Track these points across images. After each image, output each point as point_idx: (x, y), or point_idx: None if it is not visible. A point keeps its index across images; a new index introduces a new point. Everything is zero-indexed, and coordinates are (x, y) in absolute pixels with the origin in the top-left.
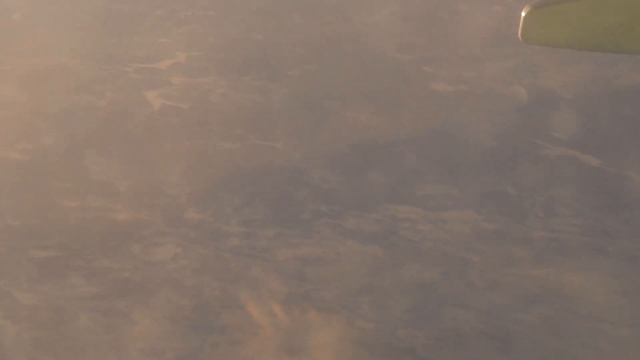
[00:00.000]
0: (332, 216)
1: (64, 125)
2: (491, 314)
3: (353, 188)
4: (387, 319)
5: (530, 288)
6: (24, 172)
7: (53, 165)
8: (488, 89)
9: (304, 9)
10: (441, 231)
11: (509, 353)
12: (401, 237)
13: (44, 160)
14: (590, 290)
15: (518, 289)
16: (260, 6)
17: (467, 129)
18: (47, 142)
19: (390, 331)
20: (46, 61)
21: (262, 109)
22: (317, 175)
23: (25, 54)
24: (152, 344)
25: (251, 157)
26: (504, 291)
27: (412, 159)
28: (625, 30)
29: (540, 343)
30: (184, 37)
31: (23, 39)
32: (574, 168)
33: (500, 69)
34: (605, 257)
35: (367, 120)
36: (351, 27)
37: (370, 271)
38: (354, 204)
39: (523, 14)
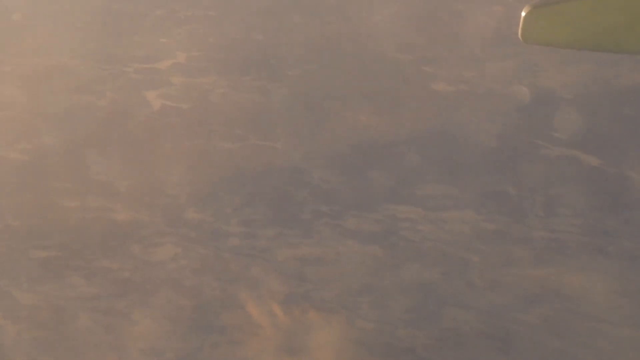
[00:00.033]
0: (332, 216)
1: (64, 125)
2: (491, 314)
3: (353, 188)
4: (387, 319)
5: (530, 288)
6: (24, 172)
7: (53, 165)
8: (488, 89)
9: (304, 9)
10: (441, 231)
11: (509, 353)
12: (401, 237)
13: (44, 160)
14: (590, 290)
15: (518, 289)
16: (260, 6)
17: (467, 129)
18: (47, 142)
19: (390, 331)
20: (46, 61)
21: (262, 109)
22: (317, 175)
23: (25, 54)
24: (152, 344)
25: (251, 157)
26: (504, 291)
27: (412, 159)
28: (625, 30)
29: (540, 343)
30: (184, 37)
31: (23, 39)
32: (574, 168)
33: (500, 69)
34: (605, 257)
35: (367, 120)
36: (351, 27)
37: (370, 271)
38: (354, 204)
39: (523, 13)
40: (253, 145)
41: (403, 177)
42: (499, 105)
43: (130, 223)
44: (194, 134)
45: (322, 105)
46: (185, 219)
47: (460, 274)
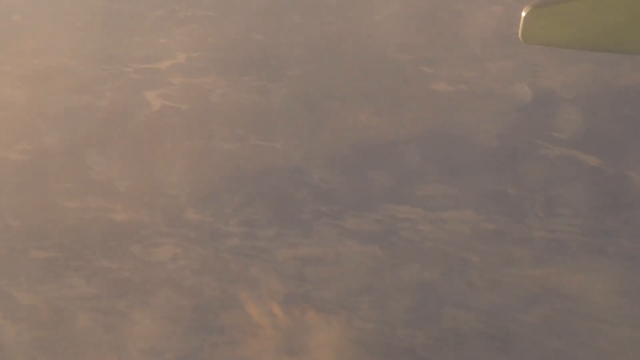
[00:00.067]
0: (332, 216)
1: (64, 125)
2: (491, 314)
3: (353, 188)
4: (386, 319)
5: (530, 288)
6: (24, 172)
7: (53, 165)
8: (488, 89)
9: (304, 9)
10: (441, 231)
11: (509, 353)
12: (401, 237)
13: (44, 160)
14: (590, 290)
15: (518, 289)
16: (260, 6)
17: (467, 129)
18: (47, 142)
19: (390, 331)
20: (46, 61)
21: (262, 109)
22: (317, 175)
23: (25, 54)
24: (152, 344)
25: (251, 157)
26: (504, 291)
27: (412, 159)
28: (625, 30)
29: (540, 343)
30: (184, 37)
31: (23, 39)
32: (574, 168)
33: (500, 68)
34: (605, 257)
35: (367, 120)
36: (351, 27)
37: (370, 271)
38: (354, 204)
39: (523, 13)
40: (253, 145)
41: (403, 177)
42: (499, 105)
43: (130, 223)
44: (194, 134)
45: (322, 105)
46: (185, 219)
47: (460, 274)
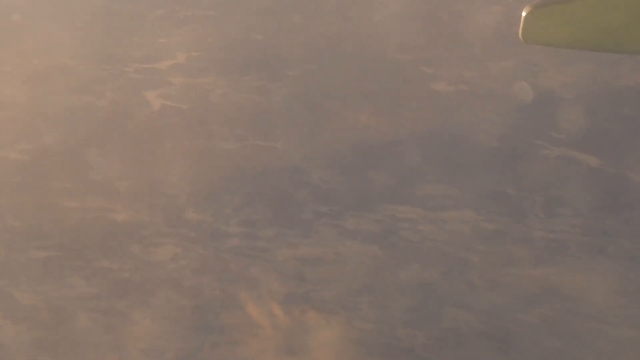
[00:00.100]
0: (332, 216)
1: (64, 125)
2: (491, 314)
3: (353, 188)
4: (386, 319)
5: (530, 288)
6: (24, 172)
7: (53, 165)
8: (488, 89)
9: (304, 9)
10: (441, 231)
11: (509, 353)
12: (401, 237)
13: (44, 160)
14: (590, 290)
15: (518, 289)
16: (260, 6)
17: (467, 129)
18: (47, 142)
19: (389, 331)
20: (46, 61)
21: (262, 109)
22: (317, 175)
23: (25, 54)
24: (152, 344)
25: (251, 157)
26: (504, 291)
27: (412, 159)
28: (625, 30)
29: (540, 343)
30: (184, 37)
31: (23, 39)
32: (574, 168)
33: (500, 68)
34: (605, 257)
35: (367, 120)
36: (351, 27)
37: (370, 271)
38: (354, 204)
39: (524, 13)
40: (253, 145)
41: (403, 177)
42: (499, 105)
43: (130, 223)
44: (194, 134)
45: (322, 105)
46: (185, 219)
47: (460, 274)
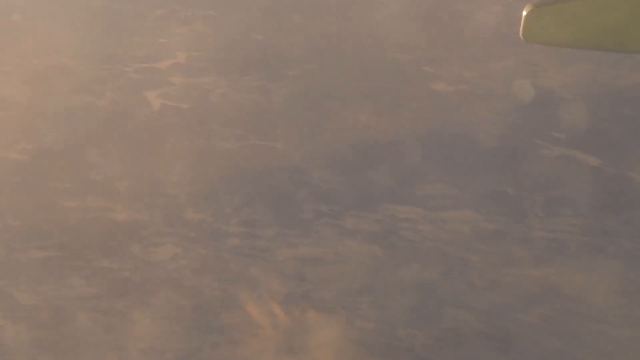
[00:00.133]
0: (332, 216)
1: (64, 125)
2: (491, 314)
3: (353, 188)
4: (386, 319)
5: (530, 288)
6: (24, 172)
7: (53, 165)
8: (488, 89)
9: (304, 9)
10: (441, 231)
11: (509, 353)
12: (401, 237)
13: (44, 160)
14: (590, 290)
15: (518, 289)
16: (260, 6)
17: (467, 129)
18: (47, 142)
19: (390, 331)
20: (46, 61)
21: (262, 109)
22: (317, 175)
23: (25, 54)
24: (152, 344)
25: (251, 157)
26: (504, 291)
27: (412, 159)
28: (626, 29)
29: (540, 343)
30: (184, 37)
31: (23, 39)
32: (574, 168)
33: (500, 68)
34: (605, 257)
35: (367, 120)
36: (351, 27)
37: (370, 271)
38: (354, 204)
39: (524, 12)
40: (253, 145)
41: (403, 177)
42: (499, 105)
43: (130, 223)
44: (194, 134)
45: (322, 105)
46: (185, 219)
47: (460, 274)
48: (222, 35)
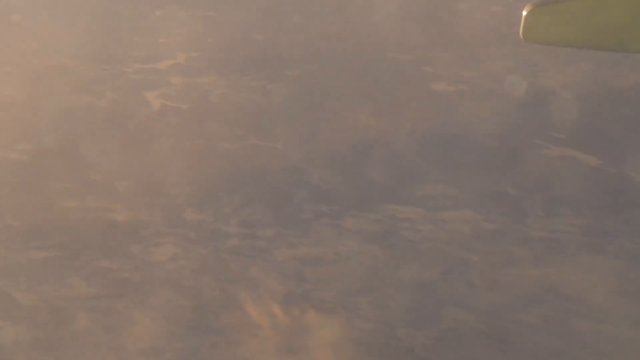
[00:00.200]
0: (332, 216)
1: (64, 125)
2: (491, 314)
3: (353, 188)
4: (386, 319)
5: (530, 288)
6: (24, 172)
7: (52, 165)
8: (488, 89)
9: (304, 9)
10: (441, 231)
11: (509, 353)
12: (401, 237)
13: (44, 160)
14: (590, 290)
15: (518, 289)
16: (260, 6)
17: (467, 129)
18: (47, 142)
19: (389, 331)
20: (46, 61)
21: (262, 109)
22: (317, 175)
23: (25, 54)
24: (152, 344)
25: (251, 157)
26: (504, 291)
27: (412, 159)
28: (626, 29)
29: (540, 343)
30: (183, 37)
31: (23, 39)
32: (574, 168)
33: (500, 68)
34: (605, 257)
35: (367, 120)
36: (351, 27)
37: (370, 271)
38: (354, 204)
39: (524, 12)
40: (253, 145)
41: (403, 177)
42: (499, 105)
43: (130, 223)
44: (193, 134)
45: (322, 105)
46: (185, 219)
47: (460, 274)
48: (222, 35)
